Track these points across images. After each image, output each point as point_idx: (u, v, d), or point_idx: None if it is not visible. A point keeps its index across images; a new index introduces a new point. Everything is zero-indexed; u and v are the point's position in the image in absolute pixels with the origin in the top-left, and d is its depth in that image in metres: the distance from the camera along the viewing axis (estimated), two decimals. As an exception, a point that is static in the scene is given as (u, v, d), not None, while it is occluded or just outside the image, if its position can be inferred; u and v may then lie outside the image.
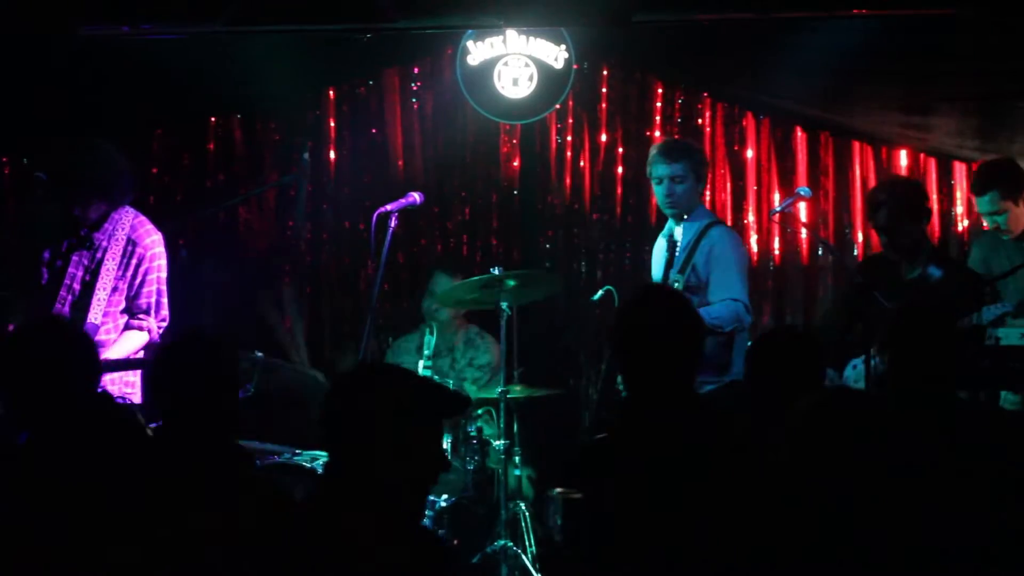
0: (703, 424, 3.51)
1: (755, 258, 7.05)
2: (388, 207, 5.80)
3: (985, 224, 6.12)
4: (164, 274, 5.57)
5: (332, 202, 7.26)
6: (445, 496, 5.77)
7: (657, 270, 5.84)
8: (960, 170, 7.04)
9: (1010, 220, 5.83)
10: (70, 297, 5.46)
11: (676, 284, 5.50)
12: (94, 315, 5.42)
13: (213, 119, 7.20)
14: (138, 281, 5.51)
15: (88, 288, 5.44)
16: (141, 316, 5.54)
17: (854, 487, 2.96)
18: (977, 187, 5.93)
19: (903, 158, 7.06)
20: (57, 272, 5.46)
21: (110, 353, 5.43)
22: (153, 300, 5.55)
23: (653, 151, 5.84)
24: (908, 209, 5.70)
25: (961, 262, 6.23)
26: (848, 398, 3.19)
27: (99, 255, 5.46)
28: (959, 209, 7.05)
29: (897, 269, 5.75)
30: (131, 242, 5.49)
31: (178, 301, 5.71)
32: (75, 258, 5.47)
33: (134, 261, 5.50)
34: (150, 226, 5.58)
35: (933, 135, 6.95)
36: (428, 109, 7.24)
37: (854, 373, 5.48)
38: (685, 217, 5.72)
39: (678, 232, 5.74)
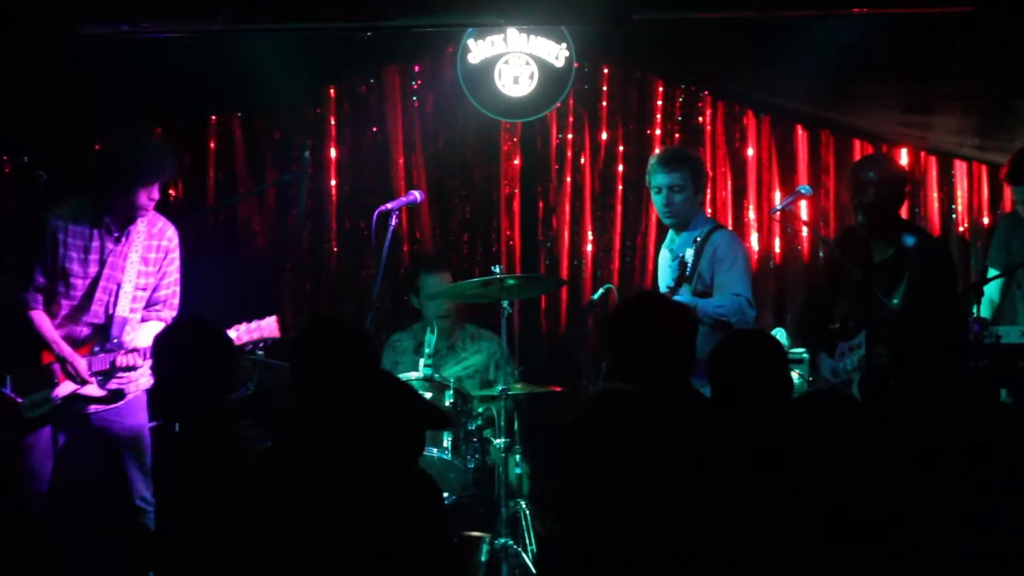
0: (702, 418, 3.55)
1: (756, 257, 7.05)
2: (389, 205, 5.82)
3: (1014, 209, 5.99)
4: (179, 266, 5.66)
5: (332, 200, 7.25)
6: (446, 494, 5.74)
7: (664, 283, 5.81)
8: (960, 168, 7.05)
9: None
10: (107, 297, 5.49)
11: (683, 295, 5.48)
12: (122, 308, 5.46)
13: (213, 118, 7.20)
14: (161, 274, 5.57)
15: (119, 284, 5.50)
16: (158, 307, 5.60)
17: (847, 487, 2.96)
18: (1014, 176, 5.80)
19: (903, 156, 7.06)
20: (93, 279, 5.48)
21: (140, 343, 5.47)
22: (171, 292, 5.63)
23: (652, 160, 5.82)
24: (895, 192, 5.72)
25: (927, 231, 6.33)
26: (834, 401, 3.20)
27: (126, 250, 5.50)
28: (959, 208, 7.05)
29: (868, 248, 5.74)
30: (155, 236, 5.58)
31: (179, 300, 5.71)
32: (110, 260, 5.49)
33: (160, 255, 5.58)
34: (167, 220, 5.65)
35: (933, 134, 6.95)
36: (429, 107, 7.24)
37: (844, 361, 5.49)
38: (687, 226, 5.71)
39: (679, 243, 5.72)
